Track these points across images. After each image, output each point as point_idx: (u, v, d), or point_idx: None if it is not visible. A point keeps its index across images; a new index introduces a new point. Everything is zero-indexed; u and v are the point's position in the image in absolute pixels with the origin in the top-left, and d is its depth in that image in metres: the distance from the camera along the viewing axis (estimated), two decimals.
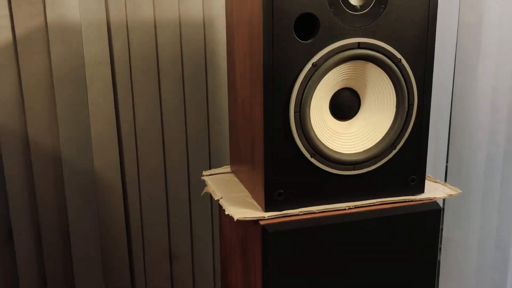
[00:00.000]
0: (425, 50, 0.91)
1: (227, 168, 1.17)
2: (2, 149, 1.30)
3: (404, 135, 0.94)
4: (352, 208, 0.93)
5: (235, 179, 1.10)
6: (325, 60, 0.86)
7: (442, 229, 0.94)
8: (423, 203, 0.97)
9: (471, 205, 1.68)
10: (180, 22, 1.38)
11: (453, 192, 1.00)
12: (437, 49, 1.49)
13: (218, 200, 0.97)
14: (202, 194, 1.05)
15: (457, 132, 1.67)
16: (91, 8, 1.30)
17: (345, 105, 0.94)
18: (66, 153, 1.35)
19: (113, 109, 1.37)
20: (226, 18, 1.10)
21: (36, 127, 1.32)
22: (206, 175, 1.14)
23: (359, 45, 0.87)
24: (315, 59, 0.85)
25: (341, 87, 0.93)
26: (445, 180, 1.72)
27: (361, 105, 0.95)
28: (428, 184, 1.03)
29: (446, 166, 1.74)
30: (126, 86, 1.37)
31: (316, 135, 0.89)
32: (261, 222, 0.88)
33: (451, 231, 1.73)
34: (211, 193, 1.02)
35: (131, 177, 1.43)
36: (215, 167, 1.50)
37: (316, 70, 0.86)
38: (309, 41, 0.85)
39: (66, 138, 1.35)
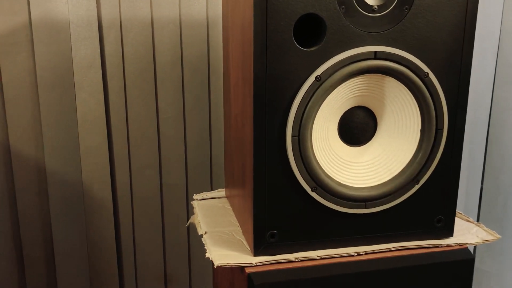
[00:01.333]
0: (459, 62, 0.73)
1: (221, 192, 1.01)
2: None
3: (430, 167, 0.76)
4: (362, 255, 0.76)
5: (228, 206, 0.94)
6: (332, 73, 0.69)
7: (474, 259, 0.76)
8: (451, 250, 0.79)
9: (506, 233, 1.48)
10: (180, 22, 1.24)
11: (489, 237, 0.81)
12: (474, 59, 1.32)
13: (201, 236, 0.81)
14: (186, 225, 0.89)
15: (495, 153, 1.46)
16: (81, 4, 1.16)
17: (357, 128, 0.76)
18: (51, 164, 1.22)
19: (104, 117, 1.23)
20: (222, 18, 0.94)
21: (19, 135, 1.19)
22: (197, 199, 0.98)
23: (376, 55, 0.70)
24: (319, 71, 0.68)
25: (353, 106, 0.75)
26: (479, 205, 1.52)
27: (377, 128, 0.77)
28: (458, 224, 0.85)
29: (481, 188, 1.55)
30: (118, 92, 1.23)
31: (319, 164, 0.72)
32: (247, 270, 0.71)
33: (484, 262, 1.53)
34: (196, 225, 0.86)
35: (123, 192, 1.29)
36: (217, 184, 1.35)
37: (320, 85, 0.69)
38: (312, 48, 0.68)
39: (51, 147, 1.22)
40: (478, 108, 1.43)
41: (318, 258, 0.75)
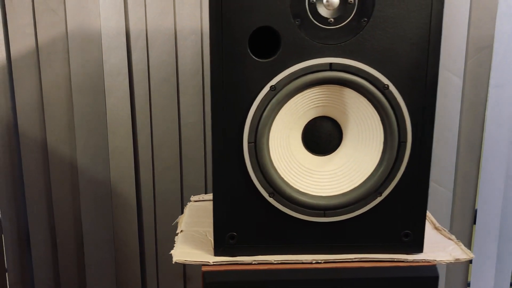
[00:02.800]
0: (424, 75, 0.72)
1: None
2: (22, 155, 1.32)
3: (393, 179, 0.75)
4: (320, 263, 0.77)
5: None
6: (287, 84, 0.71)
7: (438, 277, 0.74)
8: (416, 266, 0.77)
9: None
10: (202, 33, 1.30)
11: (462, 256, 0.78)
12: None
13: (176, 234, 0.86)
14: (173, 224, 0.95)
15: None
16: (111, 17, 1.27)
17: (322, 138, 0.77)
18: (83, 162, 1.34)
19: (130, 121, 1.33)
20: None
21: (55, 134, 1.33)
22: (193, 201, 1.04)
23: (331, 67, 0.71)
24: (273, 81, 0.71)
25: (317, 115, 0.77)
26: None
27: (343, 139, 0.78)
28: (436, 240, 0.82)
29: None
30: (144, 98, 1.33)
31: (276, 171, 0.75)
32: (203, 268, 0.75)
33: None
34: (178, 224, 0.91)
35: (147, 191, 1.38)
36: None
37: (275, 95, 0.71)
38: (268, 60, 0.71)
39: (83, 147, 1.34)
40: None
41: (275, 262, 0.77)
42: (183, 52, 1.31)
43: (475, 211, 1.44)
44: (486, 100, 1.37)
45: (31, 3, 1.25)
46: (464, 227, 1.44)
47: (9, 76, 1.29)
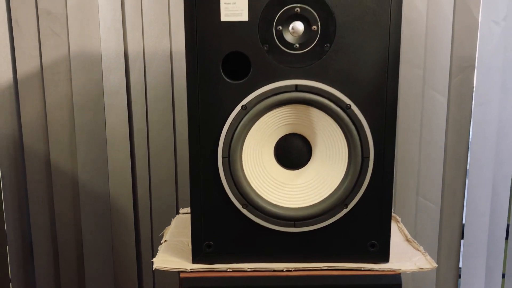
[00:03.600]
0: (384, 96, 0.78)
1: None
2: (27, 170, 1.40)
3: (358, 192, 0.80)
4: (291, 271, 0.82)
5: None
6: (257, 103, 0.77)
7: (401, 285, 0.78)
8: (381, 275, 0.81)
9: None
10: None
11: (426, 266, 0.82)
12: (497, 88, 1.30)
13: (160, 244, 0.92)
14: (160, 234, 1.01)
15: None
16: (111, 40, 1.35)
17: (293, 153, 0.83)
18: (83, 176, 1.41)
19: (128, 138, 1.40)
20: None
21: (58, 150, 1.40)
22: (181, 213, 1.10)
23: (297, 88, 0.77)
24: (245, 101, 0.77)
25: (288, 132, 0.83)
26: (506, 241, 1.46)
27: (312, 154, 0.83)
28: (404, 251, 0.87)
29: (508, 226, 1.48)
30: (141, 116, 1.40)
31: (249, 184, 0.81)
32: (181, 275, 0.81)
33: None
34: (164, 235, 0.97)
35: (143, 204, 1.45)
36: None
37: (246, 114, 0.78)
38: (239, 81, 0.77)
39: (83, 162, 1.41)
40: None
41: (249, 270, 0.82)
42: (178, 73, 1.38)
43: (463, 226, 1.48)
44: (470, 118, 1.41)
45: (36, 28, 1.34)
46: (452, 242, 1.48)
47: (15, 95, 1.37)
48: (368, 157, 0.79)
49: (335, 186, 0.81)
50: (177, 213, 1.45)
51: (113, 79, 1.36)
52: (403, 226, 1.00)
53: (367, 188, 0.80)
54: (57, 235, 1.45)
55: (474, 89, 1.39)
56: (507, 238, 1.49)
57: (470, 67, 1.38)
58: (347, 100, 0.77)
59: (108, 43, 1.35)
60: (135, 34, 1.35)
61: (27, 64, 1.36)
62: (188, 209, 1.10)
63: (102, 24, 1.34)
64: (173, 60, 1.38)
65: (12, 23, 1.33)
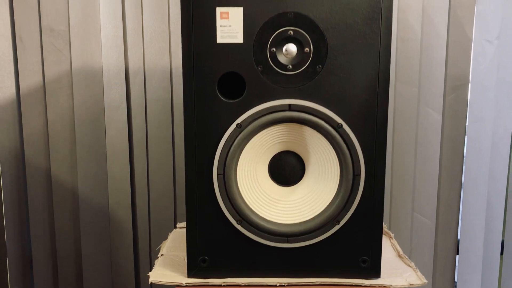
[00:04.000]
0: (375, 115, 0.80)
1: None
2: (27, 182, 1.43)
3: (349, 209, 0.82)
4: (284, 286, 0.84)
5: None
6: (251, 122, 0.80)
7: None
8: None
9: None
10: None
11: (416, 282, 0.84)
12: (491, 105, 1.33)
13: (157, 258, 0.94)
14: (157, 248, 1.03)
15: None
16: (112, 55, 1.38)
17: (286, 170, 0.85)
18: (83, 189, 1.44)
19: (128, 151, 1.43)
20: None
21: (58, 163, 1.43)
22: (178, 227, 1.12)
23: (290, 107, 0.79)
24: (239, 120, 0.80)
25: (282, 150, 0.85)
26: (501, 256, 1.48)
27: (305, 171, 0.85)
28: (395, 267, 0.89)
29: (503, 241, 1.50)
30: (141, 130, 1.43)
31: (243, 200, 0.83)
32: None
33: None
34: (160, 249, 0.99)
35: (142, 218, 1.46)
36: None
37: (241, 132, 0.80)
38: (234, 100, 0.80)
39: (83, 175, 1.43)
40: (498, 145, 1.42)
41: (243, 284, 0.84)
42: (178, 88, 1.41)
43: (458, 241, 1.49)
44: (464, 134, 1.43)
45: (39, 44, 1.37)
46: (447, 257, 1.49)
47: (17, 109, 1.40)
48: (359, 175, 0.81)
49: (328, 203, 0.83)
50: (175, 226, 1.47)
51: (114, 94, 1.39)
52: (396, 242, 1.01)
53: (359, 205, 0.82)
54: (56, 247, 1.47)
55: (468, 107, 1.41)
56: (502, 253, 1.51)
57: (464, 85, 1.40)
58: (339, 119, 0.79)
59: (109, 59, 1.38)
60: (136, 51, 1.38)
61: (30, 79, 1.39)
62: (185, 224, 1.12)
63: (104, 41, 1.37)
64: (173, 75, 1.41)
65: (16, 39, 1.37)
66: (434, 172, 1.44)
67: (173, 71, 1.41)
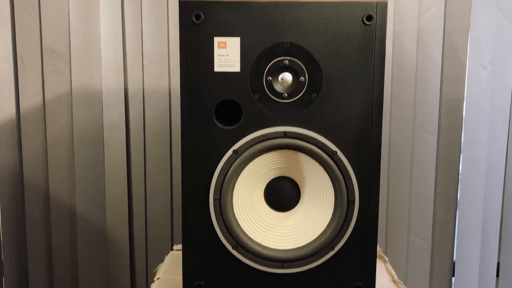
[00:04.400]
0: (368, 143, 0.81)
1: None
2: (25, 202, 1.43)
3: (344, 235, 0.83)
4: None
5: None
6: (247, 148, 0.81)
7: None
8: None
9: None
10: None
11: None
12: (485, 128, 1.34)
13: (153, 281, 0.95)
14: (154, 271, 1.03)
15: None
16: (112, 77, 1.40)
17: (282, 195, 0.86)
18: (81, 209, 1.44)
19: (126, 172, 1.44)
20: None
21: (57, 183, 1.44)
22: (175, 250, 1.13)
23: (286, 134, 0.81)
24: (236, 146, 0.81)
25: (277, 175, 0.86)
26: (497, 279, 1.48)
27: (300, 197, 0.87)
28: None
29: (498, 263, 1.50)
30: (139, 150, 1.44)
31: (239, 225, 0.84)
32: None
33: None
34: (157, 272, 1.00)
35: (139, 238, 1.47)
36: None
37: (237, 158, 0.81)
38: (231, 127, 0.81)
39: (82, 195, 1.44)
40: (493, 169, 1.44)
41: None
42: (176, 109, 1.43)
43: (454, 263, 1.50)
44: (459, 157, 1.45)
45: (40, 65, 1.39)
46: (443, 279, 1.50)
47: (17, 129, 1.42)
48: (354, 201, 0.82)
49: (322, 229, 0.84)
50: (172, 247, 1.48)
51: (113, 115, 1.41)
52: (391, 267, 1.02)
53: (353, 231, 0.83)
54: (53, 266, 1.47)
55: (463, 130, 1.43)
56: (497, 275, 1.51)
57: (458, 108, 1.42)
58: (333, 147, 0.81)
59: (109, 81, 1.40)
60: (135, 73, 1.40)
61: (30, 100, 1.40)
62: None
63: (104, 62, 1.39)
64: (172, 97, 1.43)
65: (17, 60, 1.39)
66: (430, 194, 1.45)
67: (172, 92, 1.43)
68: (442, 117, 1.43)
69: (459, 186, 1.46)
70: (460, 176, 1.46)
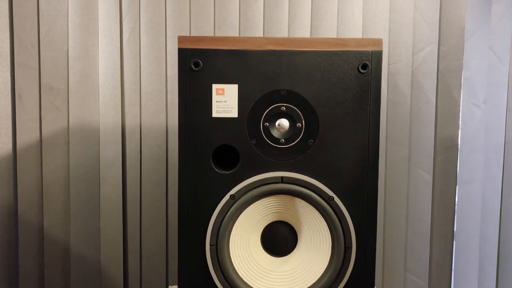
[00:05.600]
0: (365, 189, 0.82)
1: None
2: (19, 238, 1.42)
3: (341, 281, 0.83)
4: None
5: None
6: (244, 193, 0.81)
7: None
8: None
9: None
10: None
11: None
12: (480, 166, 1.35)
13: None
14: None
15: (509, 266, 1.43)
16: (109, 114, 1.41)
17: (279, 240, 0.86)
18: (75, 246, 1.43)
19: (121, 208, 1.43)
20: None
21: (51, 220, 1.43)
22: None
23: (283, 180, 0.81)
24: (233, 191, 0.81)
25: (274, 220, 0.86)
26: None
27: (298, 242, 0.86)
28: None
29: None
30: (135, 187, 1.43)
31: (235, 271, 0.83)
32: None
33: None
34: None
35: (134, 276, 1.45)
36: None
37: (234, 203, 0.81)
38: (228, 172, 0.82)
39: (76, 232, 1.43)
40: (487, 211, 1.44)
41: None
42: (173, 146, 1.43)
43: None
44: (455, 195, 1.45)
45: (38, 101, 1.40)
46: None
47: (13, 165, 1.41)
48: (351, 247, 0.82)
49: (319, 275, 0.83)
50: (167, 286, 1.46)
51: (110, 151, 1.41)
52: None
53: (350, 276, 0.83)
54: None
55: (458, 168, 1.44)
56: None
57: (453, 147, 1.44)
58: (330, 192, 0.81)
59: (106, 118, 1.40)
60: (132, 110, 1.41)
61: (27, 136, 1.40)
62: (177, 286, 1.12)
63: (102, 99, 1.40)
64: (169, 134, 1.43)
65: (16, 96, 1.39)
66: (426, 232, 1.45)
67: (169, 130, 1.43)
68: (437, 155, 1.45)
69: (455, 223, 1.46)
70: (456, 213, 1.47)
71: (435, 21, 1.42)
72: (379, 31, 1.41)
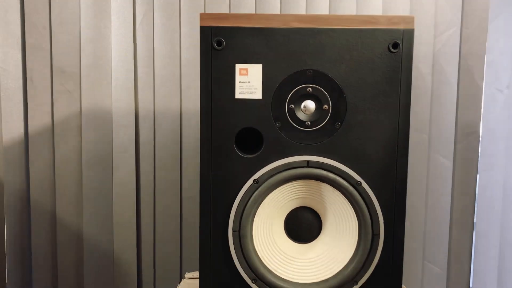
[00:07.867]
0: (394, 174, 0.79)
1: None
2: (32, 223, 1.40)
3: (368, 269, 0.80)
4: None
5: None
6: (268, 178, 0.78)
7: None
8: None
9: None
10: None
11: None
12: (502, 153, 1.32)
13: None
14: None
15: None
16: (122, 98, 1.38)
17: (302, 226, 0.83)
18: (88, 232, 1.41)
19: (135, 195, 1.41)
20: None
21: (64, 206, 1.41)
22: (187, 278, 1.09)
23: (308, 164, 0.78)
24: (256, 175, 0.78)
25: (298, 206, 0.83)
26: None
27: (322, 228, 0.83)
28: None
29: None
30: (148, 173, 1.41)
31: (259, 258, 0.80)
32: None
33: None
34: None
35: (147, 262, 1.43)
36: None
37: (257, 188, 0.78)
38: (251, 156, 0.79)
39: (89, 218, 1.41)
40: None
41: None
42: (187, 131, 1.40)
43: None
44: (476, 182, 1.42)
45: (50, 85, 1.37)
46: None
47: (25, 149, 1.39)
48: (379, 235, 0.79)
49: (345, 262, 0.81)
50: (181, 272, 1.44)
51: (123, 136, 1.38)
52: None
53: (377, 266, 0.80)
54: None
55: (479, 154, 1.41)
56: None
57: (474, 133, 1.40)
58: (358, 177, 0.78)
59: (119, 102, 1.37)
60: (146, 94, 1.38)
61: (39, 120, 1.38)
62: (193, 274, 1.10)
63: (115, 83, 1.37)
64: (183, 119, 1.40)
65: (27, 80, 1.37)
66: (445, 219, 1.41)
67: (183, 115, 1.40)
68: (458, 141, 1.41)
69: (475, 211, 1.43)
70: (476, 202, 1.43)
71: (458, 2, 1.37)
72: (400, 12, 1.37)
